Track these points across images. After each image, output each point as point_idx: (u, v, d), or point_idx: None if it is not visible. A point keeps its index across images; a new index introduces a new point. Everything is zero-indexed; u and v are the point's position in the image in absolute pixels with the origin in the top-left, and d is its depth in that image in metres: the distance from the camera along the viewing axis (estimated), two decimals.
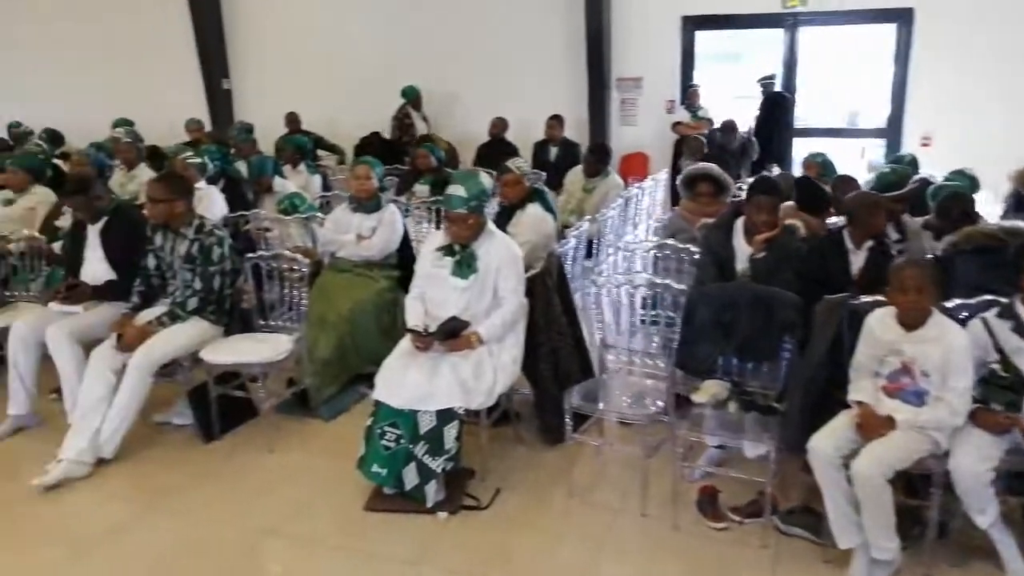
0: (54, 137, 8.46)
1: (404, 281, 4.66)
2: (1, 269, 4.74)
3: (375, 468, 3.22)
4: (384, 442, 3.21)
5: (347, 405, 4.24)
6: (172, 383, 3.98)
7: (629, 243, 4.69)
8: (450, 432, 3.17)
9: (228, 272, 3.94)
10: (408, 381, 3.19)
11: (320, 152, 8.63)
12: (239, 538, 3.12)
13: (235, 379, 3.98)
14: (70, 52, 11.15)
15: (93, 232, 4.13)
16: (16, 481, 3.55)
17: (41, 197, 5.39)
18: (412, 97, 8.79)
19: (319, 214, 5.06)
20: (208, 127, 9.49)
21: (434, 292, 3.46)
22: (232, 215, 5.22)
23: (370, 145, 8.42)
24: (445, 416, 3.17)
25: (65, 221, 5.24)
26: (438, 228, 5.74)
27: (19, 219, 5.27)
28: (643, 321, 3.79)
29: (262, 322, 4.15)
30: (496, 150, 7.68)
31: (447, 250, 3.42)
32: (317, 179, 6.67)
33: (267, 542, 3.12)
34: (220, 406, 3.89)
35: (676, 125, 8.19)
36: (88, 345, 3.92)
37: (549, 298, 3.64)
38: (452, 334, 3.26)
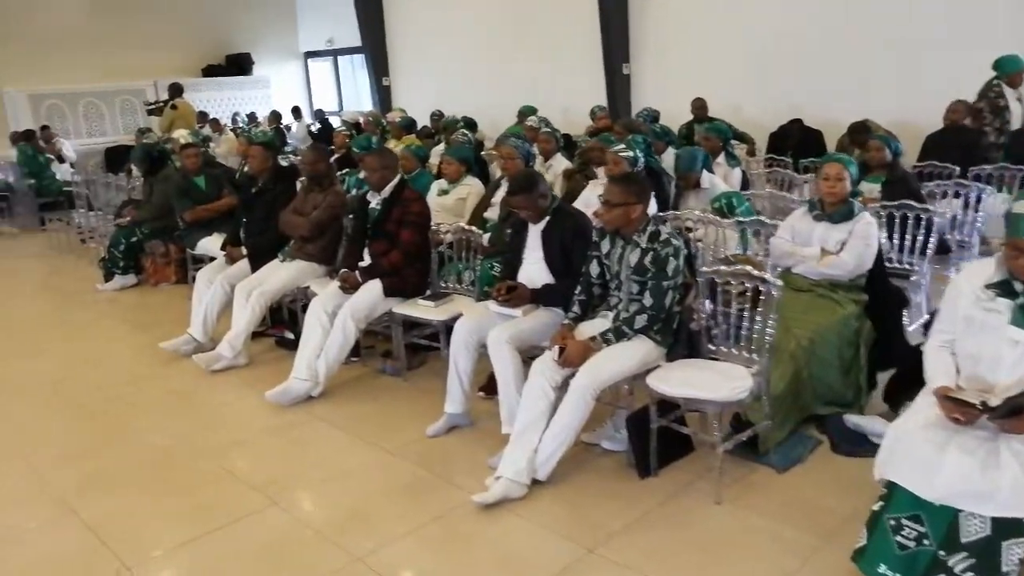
0: (470, 125, 8.84)
1: (870, 306, 3.84)
2: (436, 260, 4.80)
3: (882, 569, 2.45)
4: (899, 538, 2.42)
5: (802, 455, 3.53)
6: (604, 404, 3.60)
7: None
8: (1012, 551, 2.27)
9: (678, 287, 3.44)
10: (947, 467, 2.34)
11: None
12: None
13: (674, 409, 3.47)
14: (482, 40, 11.80)
15: (534, 232, 3.91)
16: (453, 486, 3.45)
17: (472, 187, 5.45)
18: (1012, 70, 6.46)
19: (764, 218, 4.35)
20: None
21: (977, 344, 2.54)
22: (658, 214, 4.75)
23: (788, 135, 7.50)
24: (1007, 527, 2.28)
25: (493, 213, 5.23)
26: (891, 237, 4.71)
27: (452, 209, 5.38)
28: None
29: (710, 347, 3.58)
30: (952, 141, 6.28)
31: (1004, 289, 2.48)
32: (737, 172, 5.95)
33: None
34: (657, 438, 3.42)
35: None
36: (525, 351, 3.72)
37: None
38: (1018, 411, 2.35)
